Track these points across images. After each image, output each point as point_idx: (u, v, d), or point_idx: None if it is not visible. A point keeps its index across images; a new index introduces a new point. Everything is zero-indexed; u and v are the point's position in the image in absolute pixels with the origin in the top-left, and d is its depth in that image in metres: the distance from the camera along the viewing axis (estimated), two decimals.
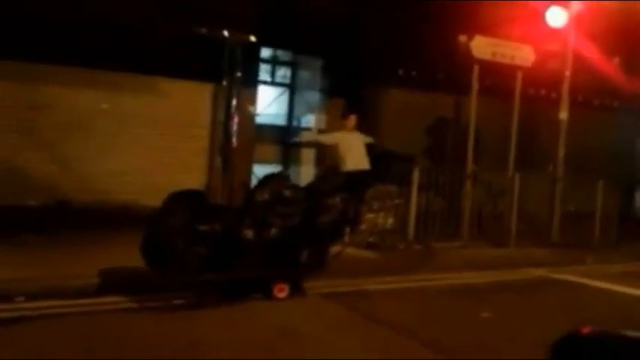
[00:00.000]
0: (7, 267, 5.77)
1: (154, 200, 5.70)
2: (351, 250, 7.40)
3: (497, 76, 9.47)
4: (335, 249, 6.29)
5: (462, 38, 8.82)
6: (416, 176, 8.42)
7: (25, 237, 6.84)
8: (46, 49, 7.97)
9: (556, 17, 9.24)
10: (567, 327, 2.26)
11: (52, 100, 8.40)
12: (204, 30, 8.82)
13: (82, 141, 8.55)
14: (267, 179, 6.15)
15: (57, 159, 8.35)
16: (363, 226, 8.04)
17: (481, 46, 8.90)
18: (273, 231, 5.68)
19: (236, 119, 9.47)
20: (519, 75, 9.39)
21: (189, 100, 9.31)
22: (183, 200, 5.59)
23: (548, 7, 9.19)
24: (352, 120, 8.75)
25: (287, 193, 5.90)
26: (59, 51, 8.04)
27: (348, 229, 6.96)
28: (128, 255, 5.54)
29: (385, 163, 8.89)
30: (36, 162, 8.21)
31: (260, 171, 9.56)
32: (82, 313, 4.96)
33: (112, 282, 5.66)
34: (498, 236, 9.11)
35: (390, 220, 8.24)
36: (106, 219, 7.65)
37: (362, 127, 8.85)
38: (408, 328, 5.11)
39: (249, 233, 5.58)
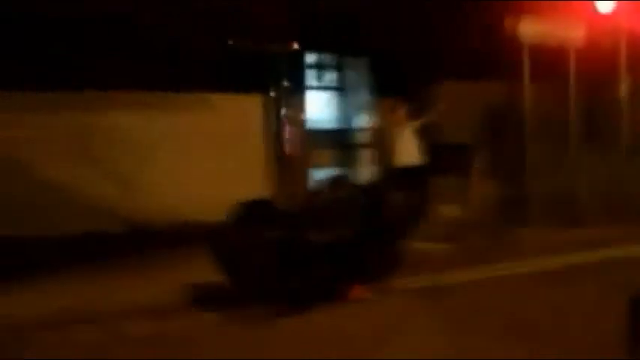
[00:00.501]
0: (91, 291, 6.00)
1: (218, 214, 5.76)
2: (422, 245, 7.30)
3: (550, 57, 9.19)
4: (406, 244, 6.21)
5: (509, 21, 8.59)
6: (476, 164, 8.24)
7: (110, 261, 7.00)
8: (96, 76, 8.25)
9: None
10: None
11: (108, 125, 8.61)
12: (246, 42, 8.90)
13: (142, 163, 8.73)
14: (328, 182, 6.13)
15: (119, 183, 8.53)
16: (431, 219, 7.91)
17: (529, 28, 8.67)
18: (341, 232, 5.65)
19: (287, 128, 9.51)
20: (572, 54, 9.09)
21: (241, 113, 9.39)
22: (251, 210, 5.62)
23: None
24: (401, 111, 8.66)
25: (348, 193, 5.87)
26: (109, 76, 8.29)
27: (415, 223, 6.86)
28: (205, 271, 5.62)
29: (442, 154, 8.74)
30: (101, 187, 8.42)
31: (317, 176, 9.60)
32: (170, 333, 5.03)
33: (194, 298, 5.77)
34: (572, 216, 8.79)
35: (457, 211, 8.08)
36: (176, 238, 7.77)
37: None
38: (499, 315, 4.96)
39: (317, 237, 5.56)
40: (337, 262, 5.62)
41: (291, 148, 9.62)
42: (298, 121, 9.91)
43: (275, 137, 9.62)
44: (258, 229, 5.50)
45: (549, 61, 9.14)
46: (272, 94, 9.57)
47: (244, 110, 9.52)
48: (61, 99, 8.36)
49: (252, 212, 5.65)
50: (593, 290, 5.77)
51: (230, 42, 9.00)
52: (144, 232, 8.20)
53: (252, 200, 5.78)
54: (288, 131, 9.61)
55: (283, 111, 9.59)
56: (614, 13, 9.04)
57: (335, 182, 6.27)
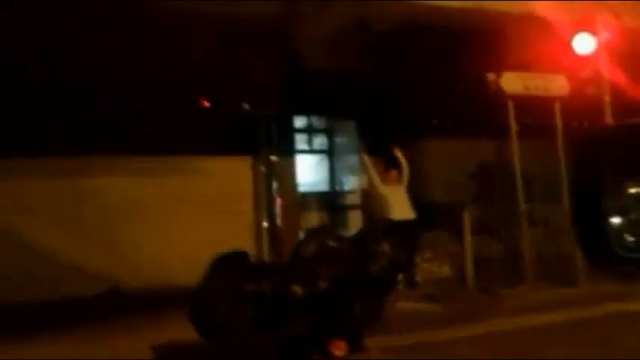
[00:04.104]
0: (66, 353, 5.79)
1: None
2: (408, 304, 7.06)
3: (534, 112, 9.24)
4: (391, 300, 6.00)
5: (491, 76, 8.71)
6: (467, 221, 8.11)
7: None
8: (85, 143, 8.27)
9: (584, 44, 9.06)
10: None
11: (96, 190, 8.56)
12: (236, 105, 8.99)
13: (128, 228, 8.61)
14: (312, 232, 6.00)
15: (105, 247, 8.38)
16: (418, 277, 7.71)
17: (512, 82, 8.76)
18: (323, 284, 5.46)
19: (277, 191, 9.46)
20: (557, 106, 9.14)
21: (230, 176, 9.35)
22: (225, 263, 5.48)
23: (574, 34, 9.03)
24: (393, 174, 8.65)
25: (333, 243, 5.72)
26: (99, 142, 8.33)
27: (401, 278, 6.66)
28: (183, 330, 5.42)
29: (432, 212, 8.64)
30: (84, 253, 8.26)
31: None
32: None
33: (167, 356, 5.52)
34: (566, 275, 8.56)
35: (446, 269, 7.88)
36: (158, 301, 7.55)
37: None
38: None
39: (297, 289, 5.38)
40: (318, 315, 5.41)
41: (282, 211, 9.52)
42: (288, 184, 9.86)
43: (266, 204, 9.55)
44: (235, 282, 5.34)
45: (537, 114, 9.18)
46: (262, 157, 9.57)
47: (234, 174, 9.50)
48: (50, 165, 8.38)
49: (229, 265, 5.50)
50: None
51: (219, 105, 9.09)
52: (129, 296, 8.00)
53: (228, 252, 5.64)
54: (278, 194, 9.53)
55: (274, 178, 9.55)
56: (594, 57, 9.15)
57: (321, 233, 6.13)
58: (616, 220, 2.53)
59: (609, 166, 2.51)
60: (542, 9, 9.34)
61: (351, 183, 10.81)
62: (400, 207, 8.36)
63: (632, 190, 2.59)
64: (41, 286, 7.79)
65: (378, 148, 9.88)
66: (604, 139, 2.43)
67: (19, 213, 8.16)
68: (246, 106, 9.35)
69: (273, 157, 9.65)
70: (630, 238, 2.54)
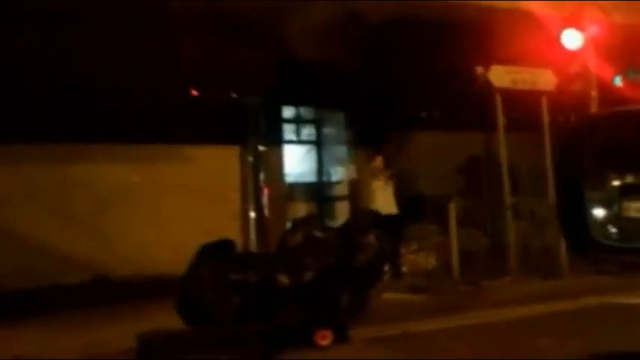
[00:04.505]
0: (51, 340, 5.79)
1: None
2: (394, 295, 7.12)
3: (521, 106, 9.31)
4: (376, 290, 6.05)
5: (479, 69, 8.77)
6: (452, 213, 8.17)
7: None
8: (73, 130, 8.23)
9: (572, 39, 9.13)
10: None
11: (85, 177, 8.56)
12: (223, 94, 8.98)
13: (116, 215, 8.61)
14: (298, 222, 6.03)
15: (92, 235, 8.37)
16: (404, 268, 7.78)
17: (500, 75, 8.82)
18: (309, 274, 5.50)
19: (264, 180, 9.47)
20: (544, 100, 9.22)
21: (218, 165, 9.37)
22: (212, 252, 5.49)
23: (562, 29, 9.10)
24: (379, 161, 8.71)
25: (319, 234, 5.75)
26: (87, 130, 8.30)
27: (387, 269, 6.71)
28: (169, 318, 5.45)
29: (418, 204, 8.71)
30: (71, 240, 8.24)
31: None
32: None
33: (151, 344, 5.52)
34: (550, 268, 8.67)
35: (432, 260, 7.95)
36: (144, 289, 7.55)
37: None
38: None
39: (283, 279, 5.41)
40: (304, 305, 5.45)
41: (268, 200, 9.53)
42: (276, 174, 9.88)
43: (253, 193, 9.55)
44: (221, 271, 5.36)
45: (524, 108, 9.25)
46: (250, 147, 9.56)
47: (223, 162, 9.51)
48: (38, 152, 8.33)
49: (216, 254, 5.52)
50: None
51: (208, 93, 9.06)
52: (117, 283, 8.01)
53: (215, 241, 5.65)
54: (264, 184, 9.54)
55: (260, 163, 9.55)
56: (582, 52, 9.23)
57: (307, 223, 6.16)
58: (599, 212, 2.57)
59: (593, 156, 2.52)
60: (530, 4, 9.40)
61: (338, 174, 10.83)
62: (385, 202, 8.43)
63: (616, 182, 2.62)
64: (29, 273, 7.78)
65: (367, 139, 9.95)
66: (587, 128, 2.40)
67: (7, 200, 8.14)
68: (235, 96, 9.35)
69: (261, 147, 9.65)
70: (613, 229, 2.57)
